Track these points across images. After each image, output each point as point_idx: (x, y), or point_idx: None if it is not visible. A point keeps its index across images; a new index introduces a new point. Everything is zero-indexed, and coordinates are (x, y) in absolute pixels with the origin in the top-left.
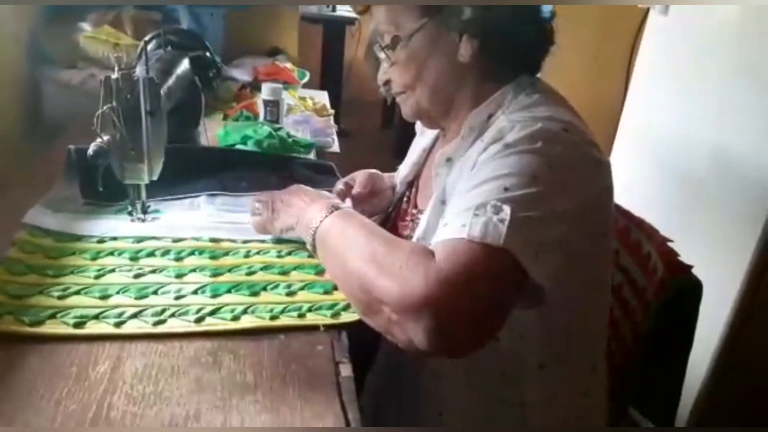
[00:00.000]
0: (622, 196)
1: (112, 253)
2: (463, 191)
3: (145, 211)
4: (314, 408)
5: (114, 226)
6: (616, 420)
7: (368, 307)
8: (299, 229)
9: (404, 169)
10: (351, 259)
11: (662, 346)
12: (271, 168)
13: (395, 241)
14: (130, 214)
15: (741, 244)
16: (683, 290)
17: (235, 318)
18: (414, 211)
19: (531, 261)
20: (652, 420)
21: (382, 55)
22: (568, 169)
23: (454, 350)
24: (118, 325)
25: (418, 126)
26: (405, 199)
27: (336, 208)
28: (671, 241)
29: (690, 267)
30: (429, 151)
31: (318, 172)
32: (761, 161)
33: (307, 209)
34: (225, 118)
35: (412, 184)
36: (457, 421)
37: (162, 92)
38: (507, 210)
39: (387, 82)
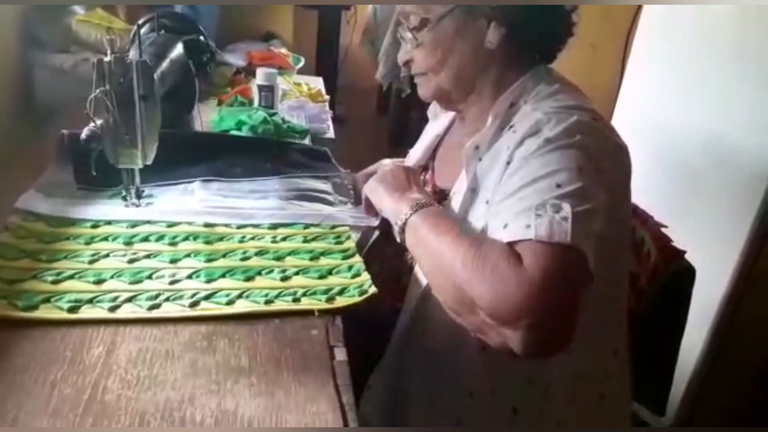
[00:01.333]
0: None
1: (106, 238)
2: (513, 189)
3: (139, 196)
4: (308, 391)
5: (108, 211)
6: None
7: (462, 307)
8: (392, 204)
9: (416, 153)
10: (446, 256)
11: (655, 331)
12: (266, 153)
13: (481, 241)
14: (124, 198)
15: (734, 231)
16: (676, 275)
17: (230, 303)
18: (433, 192)
19: (591, 252)
20: (644, 404)
21: (408, 35)
22: (602, 158)
23: (548, 352)
24: (112, 309)
25: (431, 111)
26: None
27: (428, 204)
28: (665, 226)
29: (683, 252)
30: (442, 137)
31: (313, 158)
32: (755, 149)
33: (404, 193)
34: (219, 103)
35: (425, 167)
36: (487, 401)
37: (155, 76)
38: (567, 207)
39: (407, 62)
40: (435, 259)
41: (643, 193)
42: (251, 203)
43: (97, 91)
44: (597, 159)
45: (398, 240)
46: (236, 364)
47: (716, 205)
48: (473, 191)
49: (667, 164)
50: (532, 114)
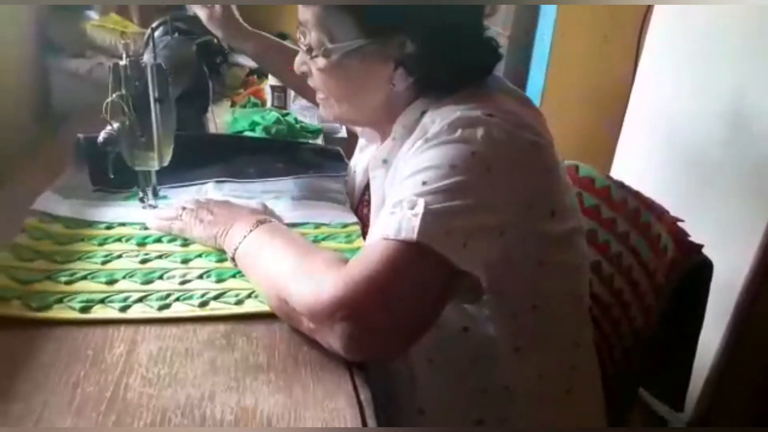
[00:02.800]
0: (631, 178)
1: (119, 239)
2: (391, 194)
3: (156, 195)
4: (326, 388)
5: (123, 212)
6: (626, 400)
7: (289, 318)
8: (222, 242)
9: (358, 173)
10: (270, 270)
11: (673, 326)
12: (279, 154)
13: (313, 251)
14: (141, 200)
15: (751, 225)
16: (694, 270)
17: (239, 302)
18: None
19: (457, 250)
20: (662, 400)
21: (303, 48)
22: (494, 153)
23: (376, 351)
24: (123, 309)
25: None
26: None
27: (261, 222)
28: (681, 221)
29: (701, 246)
30: None
31: (326, 158)
32: None
33: (233, 224)
34: (233, 104)
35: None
36: (439, 417)
37: (170, 79)
38: (421, 203)
39: (305, 73)
40: (264, 271)
41: (659, 187)
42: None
43: (114, 95)
44: (485, 155)
45: (229, 262)
46: (255, 362)
47: (733, 198)
48: (383, 205)
49: (682, 158)
50: (425, 118)
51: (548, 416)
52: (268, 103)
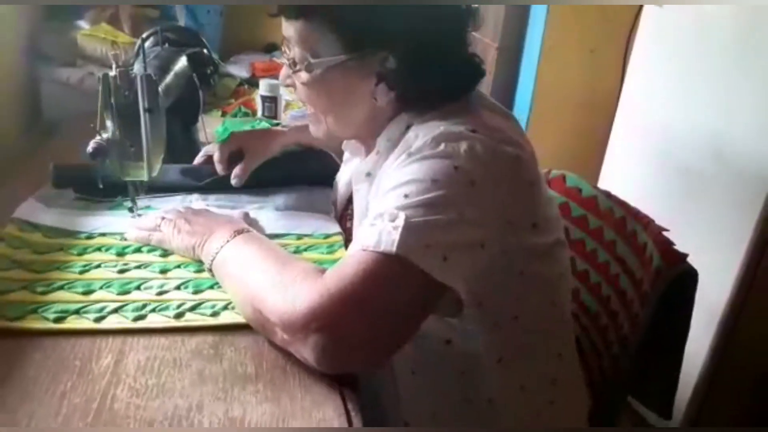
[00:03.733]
0: (618, 187)
1: (99, 249)
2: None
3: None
4: (314, 398)
5: (105, 222)
6: (615, 408)
7: (264, 329)
8: (200, 252)
9: (341, 186)
10: (247, 280)
11: (659, 335)
12: (267, 164)
13: (291, 262)
14: (130, 210)
15: (737, 235)
16: (679, 279)
17: (215, 314)
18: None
19: (437, 265)
20: (650, 408)
21: (287, 62)
22: (477, 168)
23: (350, 364)
24: (97, 320)
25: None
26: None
27: (239, 232)
28: (667, 230)
29: (685, 256)
30: None
31: (315, 167)
32: (758, 151)
33: (210, 234)
34: (223, 114)
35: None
36: (425, 429)
37: (160, 89)
38: (402, 216)
39: (290, 85)
40: (241, 281)
41: (646, 196)
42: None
43: (103, 105)
44: (467, 170)
45: (206, 272)
46: (243, 372)
47: (718, 208)
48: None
49: (668, 167)
50: (410, 132)
51: (532, 427)
52: (259, 113)
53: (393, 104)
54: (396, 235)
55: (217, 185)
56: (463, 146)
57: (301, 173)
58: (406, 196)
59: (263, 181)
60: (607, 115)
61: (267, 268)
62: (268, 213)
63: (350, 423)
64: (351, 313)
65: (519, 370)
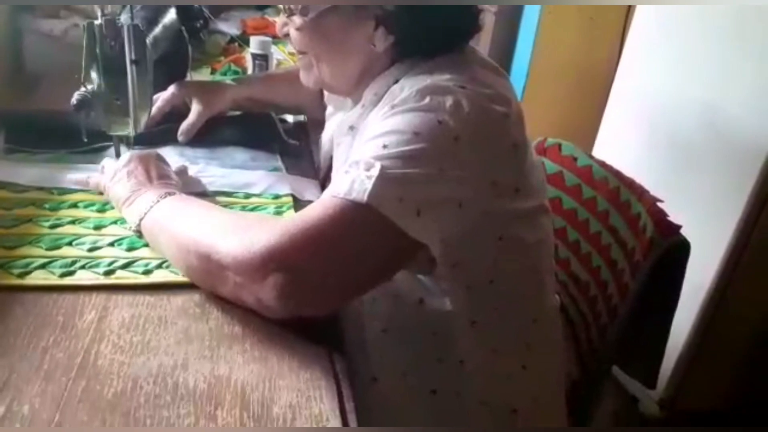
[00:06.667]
0: (613, 157)
1: (33, 203)
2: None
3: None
4: (302, 358)
5: (41, 174)
6: (600, 378)
7: (209, 276)
8: (127, 209)
9: (325, 144)
10: (188, 231)
11: (648, 305)
12: (234, 124)
13: (242, 213)
14: None
15: (729, 207)
16: (672, 250)
17: (147, 272)
18: None
19: (409, 219)
20: (635, 377)
21: (283, 8)
22: (462, 124)
23: (308, 306)
24: (22, 276)
25: (327, 97)
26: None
27: (170, 194)
28: (661, 201)
29: (679, 227)
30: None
31: (276, 129)
32: (752, 125)
33: (142, 190)
34: (212, 72)
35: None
36: (392, 385)
37: (147, 41)
38: (378, 166)
39: (287, 35)
40: (180, 232)
41: (640, 166)
42: (194, 169)
43: (88, 55)
44: (452, 125)
45: (132, 230)
46: (230, 332)
47: (712, 180)
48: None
49: (664, 139)
50: (397, 87)
51: (503, 391)
52: (249, 71)
53: (389, 52)
54: (369, 185)
55: (161, 137)
56: (449, 101)
57: (245, 137)
58: (384, 146)
59: (212, 141)
60: (604, 84)
61: (217, 217)
62: (216, 168)
63: (338, 383)
64: (312, 254)
65: (492, 333)
